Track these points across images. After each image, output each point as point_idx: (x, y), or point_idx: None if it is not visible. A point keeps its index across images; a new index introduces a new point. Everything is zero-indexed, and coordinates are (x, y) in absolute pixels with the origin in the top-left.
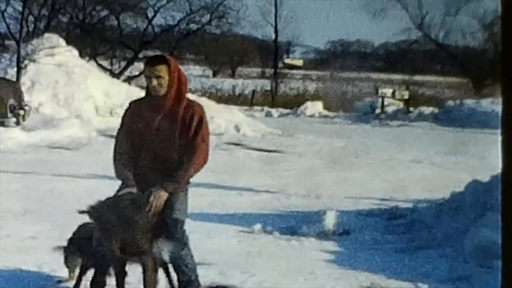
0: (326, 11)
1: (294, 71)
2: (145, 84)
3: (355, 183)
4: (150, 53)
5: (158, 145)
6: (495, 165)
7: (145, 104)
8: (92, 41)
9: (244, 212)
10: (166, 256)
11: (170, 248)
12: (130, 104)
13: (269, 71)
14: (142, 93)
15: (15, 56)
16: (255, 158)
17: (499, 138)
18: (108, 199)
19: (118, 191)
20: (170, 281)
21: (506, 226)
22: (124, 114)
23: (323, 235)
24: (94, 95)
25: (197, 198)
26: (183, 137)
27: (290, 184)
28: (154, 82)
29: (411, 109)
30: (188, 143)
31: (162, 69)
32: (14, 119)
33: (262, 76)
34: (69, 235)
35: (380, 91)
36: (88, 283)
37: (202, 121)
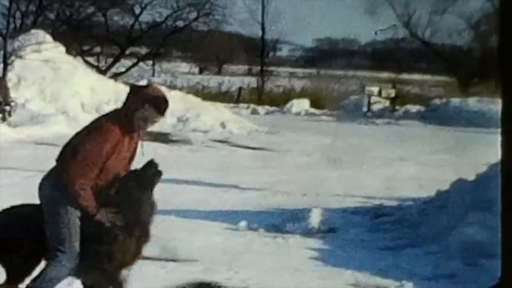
0: (313, 9)
1: (280, 69)
2: (130, 80)
3: (341, 181)
4: (137, 49)
5: (115, 170)
6: (481, 163)
7: (123, 136)
8: (79, 38)
9: (230, 210)
10: None
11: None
12: (108, 129)
13: (255, 68)
14: (128, 89)
15: (2, 52)
16: (241, 155)
17: (499, 137)
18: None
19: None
20: None
21: (505, 223)
22: (104, 142)
23: (308, 232)
24: (80, 92)
25: (182, 195)
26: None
27: (276, 181)
28: (148, 126)
29: (397, 107)
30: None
31: (162, 118)
32: (0, 115)
33: (249, 73)
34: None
35: (366, 89)
36: None
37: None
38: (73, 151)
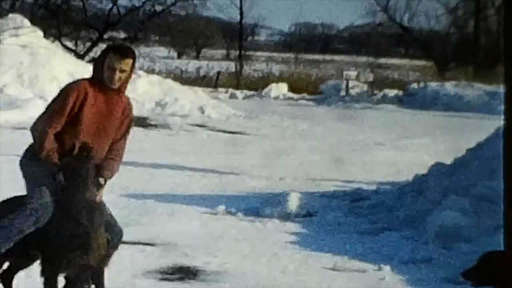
0: None
1: (259, 53)
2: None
3: (319, 165)
4: (115, 34)
5: (96, 138)
6: (458, 147)
7: (95, 92)
8: (57, 22)
9: (208, 194)
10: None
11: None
12: (74, 82)
13: (234, 53)
14: None
15: None
16: (219, 140)
17: (470, 121)
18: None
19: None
20: None
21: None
22: (68, 91)
23: (286, 217)
24: (58, 76)
25: (160, 180)
26: (115, 134)
27: (253, 166)
28: (117, 75)
29: (375, 91)
30: (118, 141)
31: (129, 64)
32: None
33: (227, 58)
34: None
35: (344, 73)
36: None
37: (131, 121)
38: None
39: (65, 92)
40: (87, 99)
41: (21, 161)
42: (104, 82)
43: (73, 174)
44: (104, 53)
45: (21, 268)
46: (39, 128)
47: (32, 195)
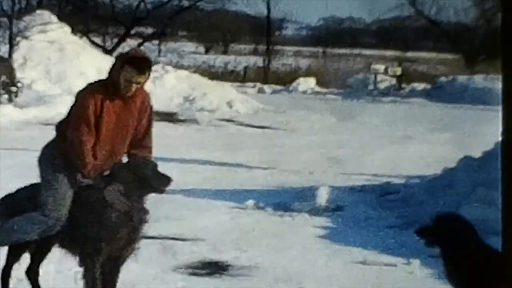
0: None
1: (286, 48)
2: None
3: (348, 159)
4: (143, 29)
5: (116, 140)
6: (487, 141)
7: (111, 96)
8: (84, 18)
9: (237, 189)
10: None
11: None
12: (87, 89)
13: (261, 47)
14: None
15: (7, 32)
16: (248, 134)
17: (499, 114)
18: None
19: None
20: None
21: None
22: (87, 102)
23: (315, 211)
24: (86, 72)
25: (189, 175)
26: (137, 128)
27: (282, 160)
28: (134, 87)
29: (403, 85)
30: (143, 135)
31: (146, 75)
32: (6, 96)
33: (255, 52)
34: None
35: (372, 67)
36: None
37: (151, 112)
38: (66, 117)
39: (82, 103)
40: (104, 106)
41: (40, 160)
42: (119, 90)
43: (130, 182)
44: (120, 63)
45: (41, 260)
46: (74, 139)
47: (52, 204)
